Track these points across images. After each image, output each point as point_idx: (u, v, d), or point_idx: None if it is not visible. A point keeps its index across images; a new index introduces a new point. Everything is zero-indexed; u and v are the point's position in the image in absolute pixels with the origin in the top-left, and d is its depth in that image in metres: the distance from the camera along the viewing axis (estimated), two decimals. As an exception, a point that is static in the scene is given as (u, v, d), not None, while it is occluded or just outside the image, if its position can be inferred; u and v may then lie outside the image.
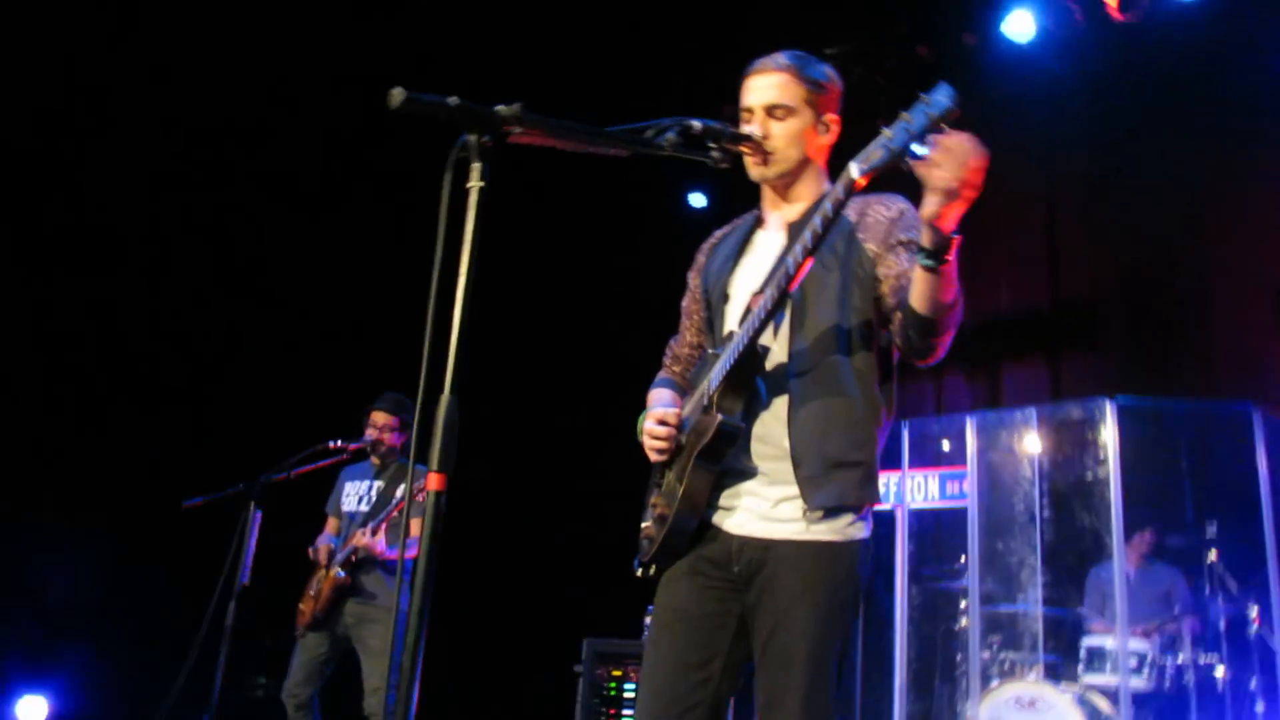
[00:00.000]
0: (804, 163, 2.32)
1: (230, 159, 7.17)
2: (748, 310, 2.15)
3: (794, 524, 2.10)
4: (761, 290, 2.14)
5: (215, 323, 7.42)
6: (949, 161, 1.80)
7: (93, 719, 7.21)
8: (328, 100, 6.89)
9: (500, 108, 1.71)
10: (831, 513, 2.09)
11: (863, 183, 1.89)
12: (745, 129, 2.26)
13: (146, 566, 6.87)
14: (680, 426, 2.26)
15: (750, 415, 2.16)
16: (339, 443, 4.88)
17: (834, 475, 2.09)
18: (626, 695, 5.84)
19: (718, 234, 2.54)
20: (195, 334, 7.36)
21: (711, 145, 2.14)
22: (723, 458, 2.14)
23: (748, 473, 2.16)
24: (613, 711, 5.85)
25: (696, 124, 2.05)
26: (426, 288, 1.69)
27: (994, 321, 7.23)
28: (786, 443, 2.12)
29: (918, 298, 2.01)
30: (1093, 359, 6.87)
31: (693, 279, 2.53)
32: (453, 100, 1.67)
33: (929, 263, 1.94)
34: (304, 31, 6.64)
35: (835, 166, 2.35)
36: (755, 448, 2.16)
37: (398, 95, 1.63)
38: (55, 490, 7.01)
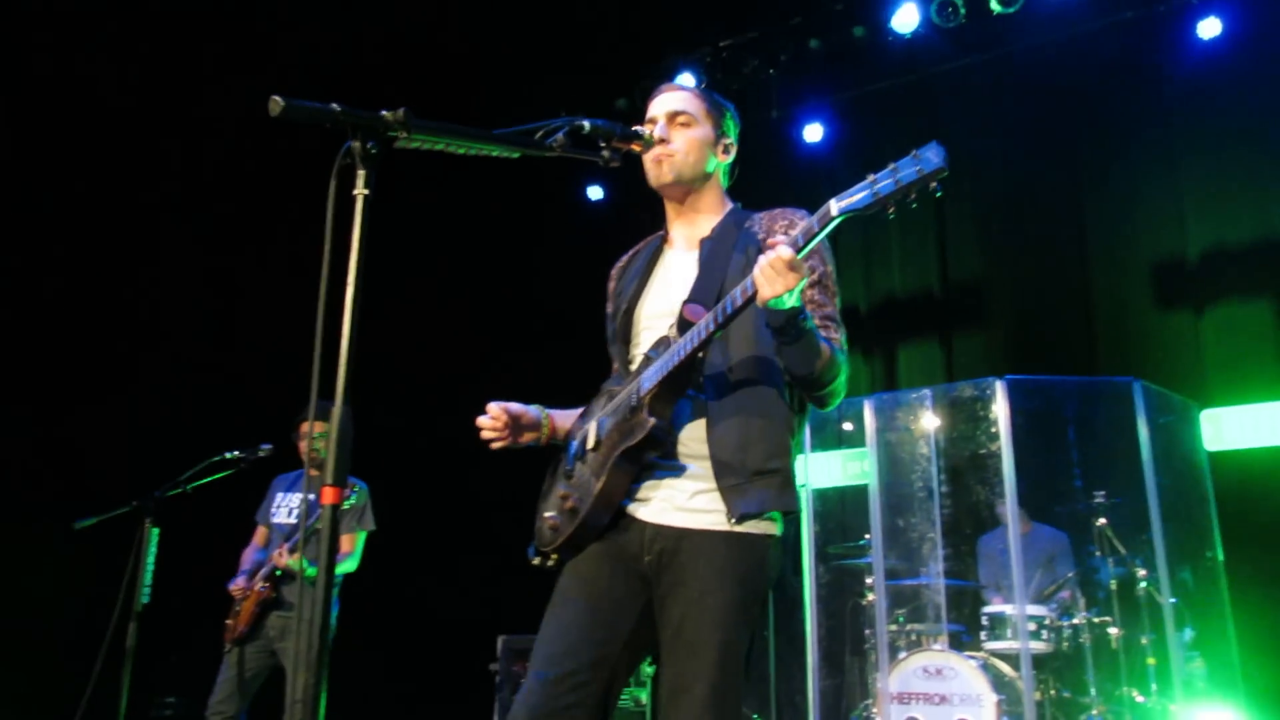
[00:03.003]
0: (705, 176, 2.38)
1: (115, 166, 6.94)
2: (683, 321, 2.18)
3: (709, 515, 2.14)
4: (690, 302, 2.20)
5: (102, 335, 7.18)
6: (775, 281, 1.91)
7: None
8: (215, 106, 6.72)
9: (385, 113, 1.70)
10: (748, 520, 2.13)
11: (839, 219, 1.91)
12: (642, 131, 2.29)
13: (40, 590, 6.63)
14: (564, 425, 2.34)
15: (675, 417, 2.20)
16: (236, 453, 4.79)
17: (755, 483, 2.14)
18: (543, 691, 5.84)
19: (625, 258, 2.58)
20: (84, 346, 7.11)
21: (603, 144, 2.16)
22: (645, 458, 2.16)
23: (670, 469, 2.19)
24: (530, 708, 5.85)
25: (586, 124, 2.07)
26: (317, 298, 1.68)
27: (887, 304, 7.41)
28: (706, 449, 2.16)
29: (784, 361, 2.13)
30: (983, 340, 7.10)
31: (609, 307, 2.55)
32: (335, 107, 1.65)
33: (779, 338, 2.05)
34: (182, 36, 6.48)
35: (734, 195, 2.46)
36: (678, 447, 2.19)
37: (278, 103, 1.61)
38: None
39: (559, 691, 2.08)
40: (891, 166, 1.85)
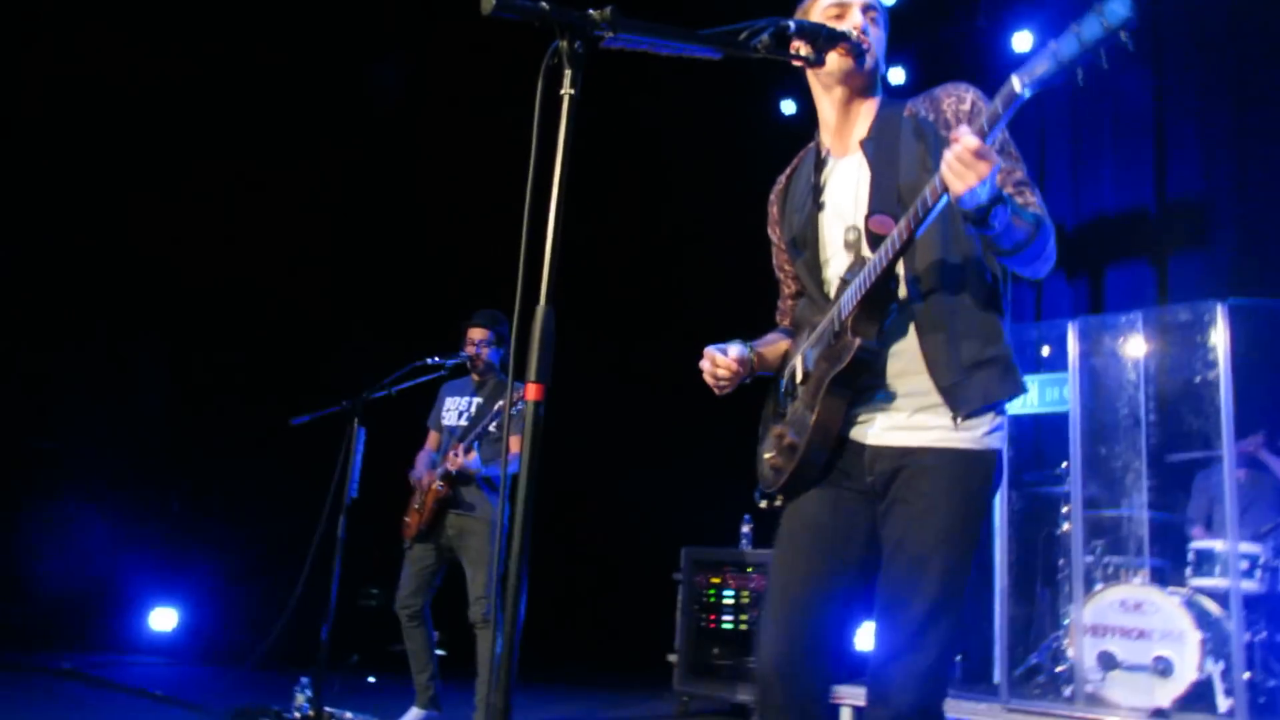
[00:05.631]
0: (878, 72, 2.28)
1: (321, 80, 7.22)
2: (872, 235, 2.10)
3: (932, 431, 2.08)
4: (875, 214, 2.10)
5: (316, 248, 7.57)
6: (964, 175, 1.80)
7: (218, 628, 7.60)
8: (412, 8, 6.85)
9: (592, 12, 1.69)
10: (977, 414, 2.07)
11: (1025, 96, 1.79)
12: (839, 25, 2.19)
13: (260, 482, 7.15)
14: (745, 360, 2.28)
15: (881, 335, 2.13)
16: (436, 359, 4.98)
17: (975, 376, 2.07)
18: (725, 601, 5.94)
19: (781, 179, 2.48)
20: (298, 258, 7.53)
21: (807, 45, 2.10)
22: (858, 381, 2.11)
23: (884, 388, 2.13)
24: (712, 617, 5.96)
25: (791, 24, 1.99)
26: (521, 200, 1.70)
27: (1097, 222, 7.00)
28: (919, 358, 2.10)
29: (993, 248, 2.02)
30: (1201, 259, 6.62)
31: (774, 233, 2.48)
32: (544, 4, 1.65)
33: (980, 230, 1.93)
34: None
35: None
36: (889, 364, 2.13)
37: (489, 0, 1.62)
38: (167, 415, 7.29)
39: (800, 634, 2.09)
40: (1073, 28, 1.70)
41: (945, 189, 1.86)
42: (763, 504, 2.29)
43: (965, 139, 1.79)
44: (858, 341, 2.06)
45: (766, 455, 2.29)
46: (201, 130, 7.14)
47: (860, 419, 2.16)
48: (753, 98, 8.04)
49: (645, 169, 8.04)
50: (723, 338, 2.38)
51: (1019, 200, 2.04)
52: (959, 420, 2.06)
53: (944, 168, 1.83)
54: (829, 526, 2.15)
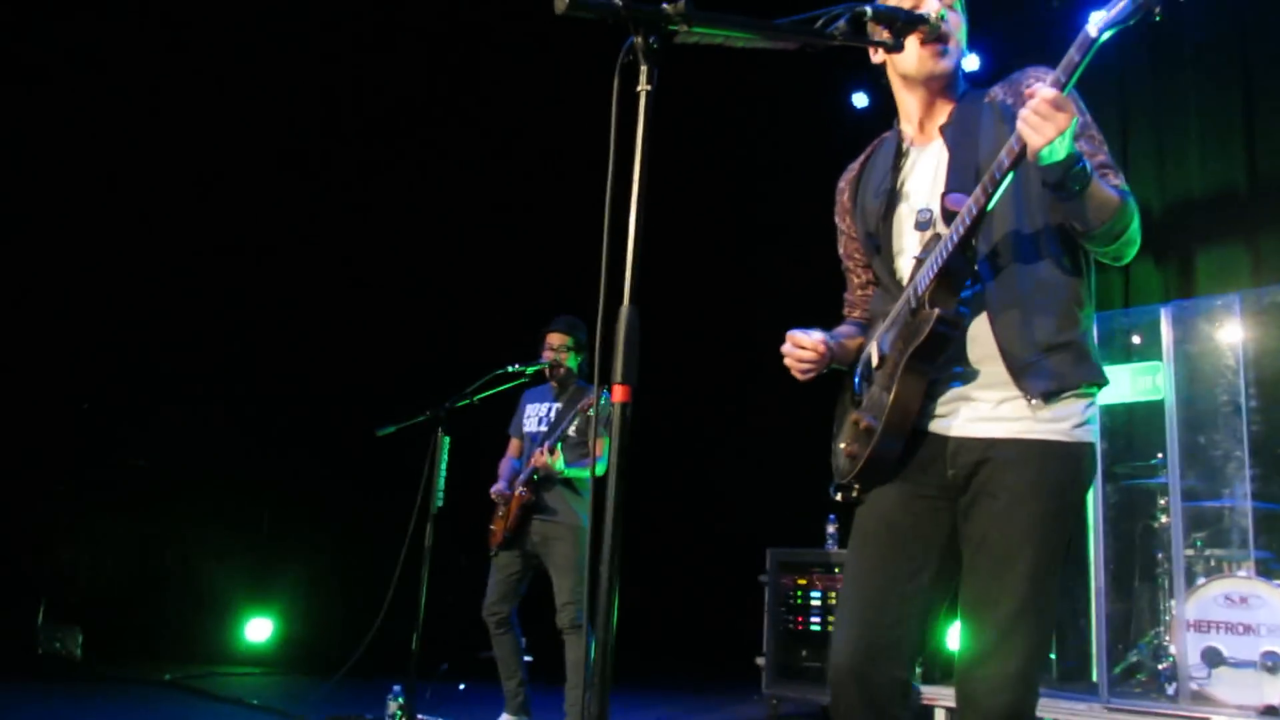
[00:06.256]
0: (958, 66, 2.21)
1: (403, 85, 7.31)
2: (948, 213, 2.04)
3: (1019, 422, 2.00)
4: (951, 193, 2.04)
5: (402, 260, 7.67)
6: (1042, 127, 1.73)
7: (311, 636, 7.72)
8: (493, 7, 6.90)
9: (666, 6, 1.67)
10: (1053, 399, 1.98)
11: (1101, 38, 1.72)
12: (919, 10, 2.14)
13: (350, 493, 7.25)
14: (826, 344, 2.20)
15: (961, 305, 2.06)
16: (517, 366, 5.01)
17: (1048, 358, 1.99)
18: (812, 602, 5.87)
19: (855, 166, 2.41)
20: (383, 271, 7.64)
21: (885, 31, 2.06)
22: (938, 357, 2.03)
23: (964, 376, 2.06)
24: (799, 619, 5.89)
25: (869, 9, 1.95)
26: (602, 199, 1.69)
27: (1185, 205, 6.79)
28: (994, 341, 2.02)
29: (1068, 217, 1.95)
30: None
31: (842, 221, 2.41)
32: (618, 1, 1.63)
33: (1060, 194, 1.87)
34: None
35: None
36: (968, 350, 2.06)
37: (562, 0, 1.61)
38: (257, 427, 7.43)
39: (876, 633, 2.02)
40: None
41: (1022, 147, 1.80)
42: (838, 496, 2.21)
43: (1042, 90, 1.74)
44: (936, 312, 1.98)
45: (841, 445, 2.23)
46: (253, 147, 7.28)
47: (940, 412, 2.09)
48: (825, 91, 7.97)
49: (722, 165, 8.00)
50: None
51: (1104, 179, 1.98)
52: (1030, 402, 1.98)
53: (1020, 122, 1.77)
54: (907, 524, 2.08)
